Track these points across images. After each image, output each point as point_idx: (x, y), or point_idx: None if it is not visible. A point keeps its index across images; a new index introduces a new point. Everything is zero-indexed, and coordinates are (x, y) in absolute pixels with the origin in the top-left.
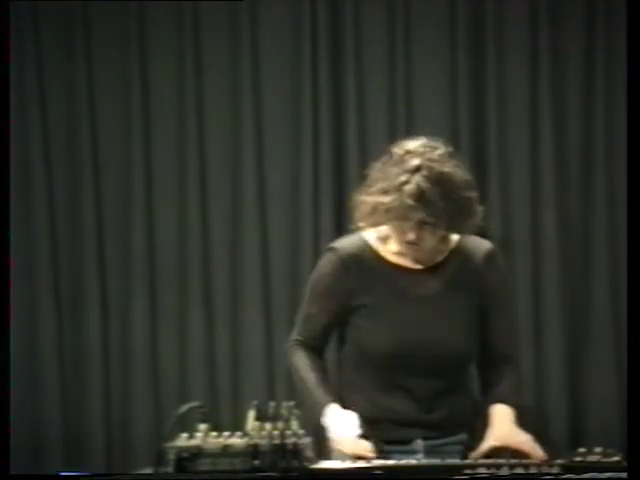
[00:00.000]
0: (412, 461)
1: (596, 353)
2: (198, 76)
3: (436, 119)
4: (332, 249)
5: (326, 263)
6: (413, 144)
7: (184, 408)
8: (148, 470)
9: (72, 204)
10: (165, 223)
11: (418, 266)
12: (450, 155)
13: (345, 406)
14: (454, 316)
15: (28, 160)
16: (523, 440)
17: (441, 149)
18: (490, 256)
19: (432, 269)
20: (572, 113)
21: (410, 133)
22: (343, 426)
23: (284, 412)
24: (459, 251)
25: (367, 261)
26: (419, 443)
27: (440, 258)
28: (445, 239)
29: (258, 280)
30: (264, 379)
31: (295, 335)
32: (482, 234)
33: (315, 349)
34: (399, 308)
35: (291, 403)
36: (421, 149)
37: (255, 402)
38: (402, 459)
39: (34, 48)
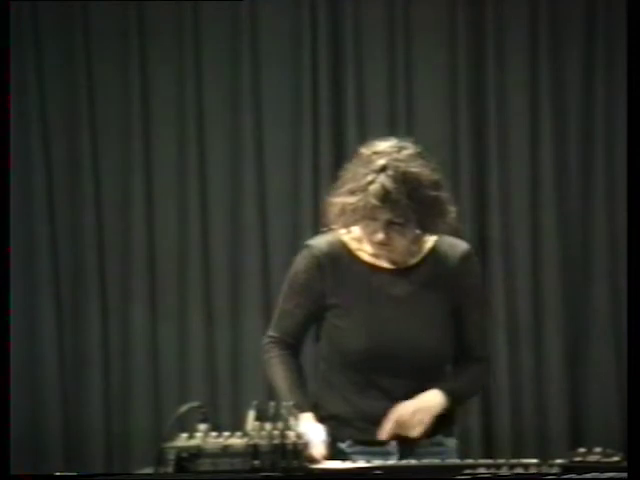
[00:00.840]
0: (412, 461)
1: (596, 353)
2: (198, 76)
3: (436, 119)
4: (307, 246)
5: (301, 260)
6: (381, 145)
7: (184, 408)
8: (148, 470)
9: (72, 204)
10: (165, 223)
11: (393, 266)
12: (419, 155)
13: (321, 405)
14: (429, 317)
15: (28, 160)
16: (403, 411)
17: (409, 149)
18: (465, 257)
19: (407, 270)
20: (572, 113)
21: (410, 133)
22: (310, 431)
23: (284, 412)
24: (435, 252)
25: (342, 260)
26: (393, 444)
27: (416, 259)
28: (420, 240)
29: (258, 280)
30: (264, 379)
31: (271, 332)
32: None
33: (290, 346)
34: (373, 308)
35: (291, 403)
36: (388, 149)
37: (255, 402)
38: (377, 460)
39: (34, 48)
